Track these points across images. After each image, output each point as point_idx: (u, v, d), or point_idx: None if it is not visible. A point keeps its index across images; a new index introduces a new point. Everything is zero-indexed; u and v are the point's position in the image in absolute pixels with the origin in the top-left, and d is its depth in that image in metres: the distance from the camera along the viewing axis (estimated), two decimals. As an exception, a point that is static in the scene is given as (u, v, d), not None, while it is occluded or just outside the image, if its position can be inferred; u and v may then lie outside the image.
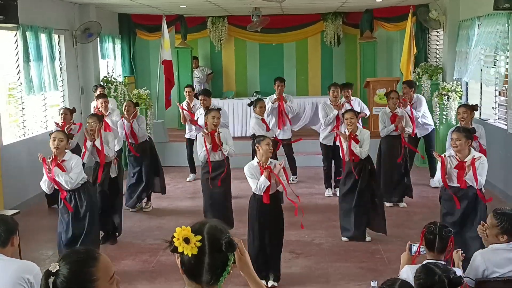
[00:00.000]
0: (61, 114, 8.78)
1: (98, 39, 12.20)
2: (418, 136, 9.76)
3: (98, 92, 10.15)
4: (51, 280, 2.16)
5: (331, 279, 6.25)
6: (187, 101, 10.44)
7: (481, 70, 9.76)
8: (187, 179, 10.87)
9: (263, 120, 8.97)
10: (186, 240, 2.17)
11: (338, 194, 8.16)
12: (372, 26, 14.05)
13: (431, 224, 4.03)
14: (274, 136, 9.00)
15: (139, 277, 6.36)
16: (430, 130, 9.89)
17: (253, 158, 8.53)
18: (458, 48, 10.82)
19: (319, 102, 12.28)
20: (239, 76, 15.29)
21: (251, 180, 5.95)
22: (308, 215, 8.50)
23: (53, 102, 10.61)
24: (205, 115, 7.60)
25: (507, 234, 3.99)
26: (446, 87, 10.73)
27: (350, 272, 6.42)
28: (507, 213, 4.03)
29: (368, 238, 7.37)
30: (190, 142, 10.54)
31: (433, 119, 10.40)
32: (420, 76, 11.56)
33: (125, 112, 8.75)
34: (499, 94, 9.53)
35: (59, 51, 10.82)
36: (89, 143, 7.30)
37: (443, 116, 10.59)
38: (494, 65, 9.39)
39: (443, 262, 3.70)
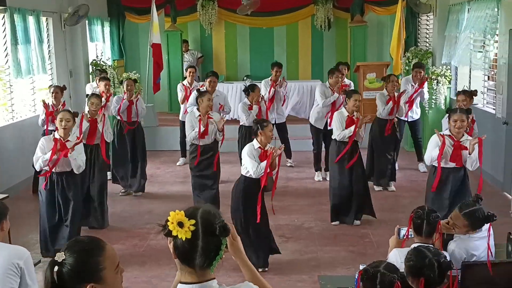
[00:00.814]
0: (52, 93, 8.68)
1: (87, 22, 12.09)
2: (409, 120, 9.78)
3: (103, 75, 10.14)
4: (56, 269, 2.16)
5: (321, 263, 6.30)
6: (188, 82, 10.46)
7: (470, 55, 9.79)
8: (177, 163, 10.85)
9: (250, 107, 8.87)
10: (180, 224, 2.19)
11: (328, 178, 8.16)
12: (363, 10, 14.03)
13: (419, 209, 4.07)
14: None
15: (129, 261, 6.37)
16: (419, 115, 9.93)
17: (239, 140, 8.54)
18: (448, 33, 10.83)
19: (309, 87, 12.35)
20: (230, 60, 15.22)
21: (249, 161, 5.88)
22: (298, 199, 8.58)
23: (41, 85, 10.53)
24: (197, 98, 7.53)
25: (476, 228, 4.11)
26: (435, 72, 10.76)
27: (340, 255, 6.47)
28: (474, 211, 4.11)
29: (357, 222, 7.41)
30: (184, 125, 10.55)
31: (422, 103, 10.45)
32: (410, 60, 11.55)
33: (126, 91, 8.83)
34: (488, 79, 9.57)
35: (47, 34, 10.70)
36: (86, 124, 7.32)
37: (433, 101, 10.62)
38: (483, 49, 9.41)
39: (433, 246, 3.74)
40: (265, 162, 5.82)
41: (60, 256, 2.18)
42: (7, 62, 9.10)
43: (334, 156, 7.44)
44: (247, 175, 5.98)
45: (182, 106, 10.44)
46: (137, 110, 8.84)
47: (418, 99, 9.70)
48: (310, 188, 9.22)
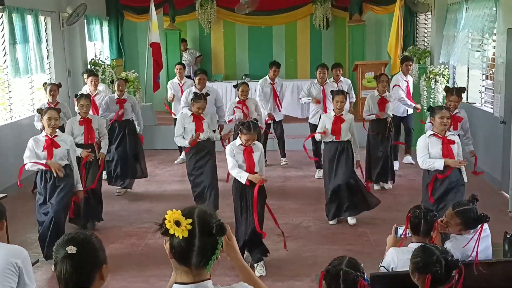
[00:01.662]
0: (49, 91, 8.68)
1: (85, 21, 12.09)
2: (400, 116, 9.81)
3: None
4: (71, 263, 2.30)
5: (319, 262, 6.29)
6: (177, 78, 10.49)
7: (468, 54, 9.80)
8: (175, 162, 10.85)
9: (239, 102, 8.95)
10: (177, 223, 2.21)
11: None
12: (361, 9, 14.05)
13: (416, 208, 4.08)
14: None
15: (127, 260, 6.38)
16: (412, 111, 9.98)
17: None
18: (446, 32, 10.84)
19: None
20: (228, 59, 15.23)
21: (230, 159, 6.00)
22: (296, 198, 8.59)
23: (39, 84, 10.50)
24: (193, 101, 7.53)
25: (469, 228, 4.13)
26: (433, 71, 10.77)
27: (338, 254, 6.33)
28: (467, 210, 4.14)
29: (353, 221, 7.41)
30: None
31: (420, 102, 10.49)
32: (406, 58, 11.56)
33: (117, 91, 8.83)
34: (486, 78, 9.58)
35: (46, 33, 10.70)
36: (80, 128, 7.40)
37: (431, 100, 10.63)
38: (481, 48, 9.42)
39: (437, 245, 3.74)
40: (244, 174, 5.89)
41: (72, 249, 2.29)
42: (5, 61, 9.10)
43: (325, 157, 7.51)
44: (231, 172, 6.08)
45: (174, 105, 10.50)
46: (133, 110, 8.92)
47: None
48: (308, 187, 9.23)
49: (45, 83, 9.16)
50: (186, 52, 14.58)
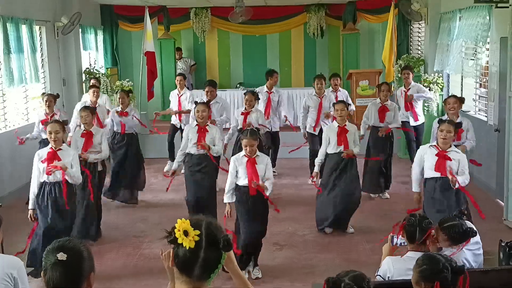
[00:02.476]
0: (46, 102, 8.62)
1: (80, 30, 12.11)
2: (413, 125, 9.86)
3: (91, 82, 10.15)
4: (62, 269, 2.33)
5: (315, 270, 6.30)
6: (178, 90, 10.50)
7: (462, 62, 9.86)
8: (165, 170, 10.78)
9: (243, 113, 8.88)
10: (185, 233, 2.21)
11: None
12: (355, 18, 14.13)
13: (411, 216, 4.09)
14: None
15: (122, 270, 6.36)
16: (422, 121, 9.99)
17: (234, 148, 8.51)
18: (440, 40, 10.90)
19: (301, 95, 12.45)
20: (223, 67, 15.26)
21: (229, 175, 6.06)
22: (292, 206, 8.57)
23: (34, 94, 10.52)
24: (195, 108, 7.51)
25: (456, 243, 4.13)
26: (427, 79, 10.82)
27: (334, 263, 6.48)
28: (452, 226, 4.14)
29: (351, 230, 7.42)
30: (174, 130, 10.57)
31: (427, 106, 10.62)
32: (402, 68, 11.62)
33: (120, 103, 8.80)
34: (480, 86, 9.63)
35: (41, 43, 10.71)
36: (81, 139, 7.34)
37: (425, 108, 10.68)
38: (474, 57, 9.48)
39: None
40: (227, 196, 6.04)
41: (62, 256, 2.31)
42: (0, 71, 9.09)
43: (327, 167, 7.46)
44: (239, 184, 6.04)
45: (172, 117, 10.53)
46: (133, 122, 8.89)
47: (420, 102, 9.83)
48: (304, 196, 9.22)
49: (43, 93, 9.15)
50: (180, 61, 14.61)
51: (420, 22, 12.29)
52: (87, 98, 9.75)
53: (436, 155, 5.81)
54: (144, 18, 12.26)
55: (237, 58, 15.21)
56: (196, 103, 7.78)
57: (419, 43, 12.69)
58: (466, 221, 4.27)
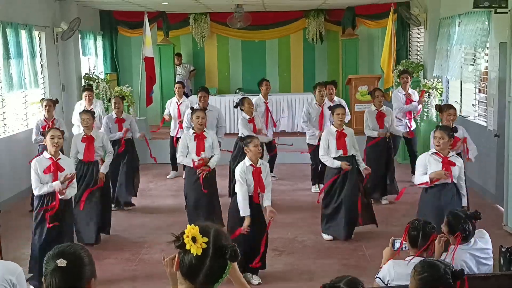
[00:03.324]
0: (45, 107, 8.61)
1: (79, 36, 12.12)
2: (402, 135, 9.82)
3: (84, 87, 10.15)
4: (61, 276, 2.32)
5: (314, 276, 6.28)
6: (176, 97, 10.48)
7: (461, 68, 9.86)
8: (168, 177, 10.83)
9: (250, 120, 8.77)
10: (193, 239, 2.21)
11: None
12: (354, 23, 14.15)
13: (415, 220, 4.09)
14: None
15: (121, 276, 6.34)
16: (413, 127, 9.96)
17: (235, 157, 8.49)
18: (439, 46, 10.91)
19: (300, 100, 12.45)
20: (222, 73, 15.27)
21: (238, 183, 5.94)
22: (291, 212, 8.56)
23: (33, 99, 10.51)
24: (191, 115, 7.52)
25: (453, 235, 4.18)
26: (427, 84, 10.83)
27: (333, 269, 6.46)
28: (458, 216, 4.22)
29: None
30: (173, 139, 10.54)
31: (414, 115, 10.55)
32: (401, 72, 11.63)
33: (114, 109, 8.80)
34: (479, 92, 9.64)
35: (40, 48, 10.71)
36: (81, 144, 7.34)
37: (424, 113, 10.68)
38: (474, 62, 9.48)
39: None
40: (242, 209, 5.89)
41: (62, 262, 2.30)
42: (-1, 76, 9.09)
43: (328, 174, 7.42)
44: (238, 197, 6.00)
45: (172, 122, 10.47)
46: (131, 128, 8.88)
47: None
48: (303, 201, 9.21)
49: (43, 98, 9.14)
50: (180, 67, 14.61)
51: (419, 27, 12.31)
52: (80, 106, 9.72)
53: (442, 162, 5.82)
54: (143, 24, 12.29)
55: (236, 63, 15.21)
56: (192, 109, 7.78)
57: (418, 48, 12.70)
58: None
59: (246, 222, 5.87)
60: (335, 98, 9.98)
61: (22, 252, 7.00)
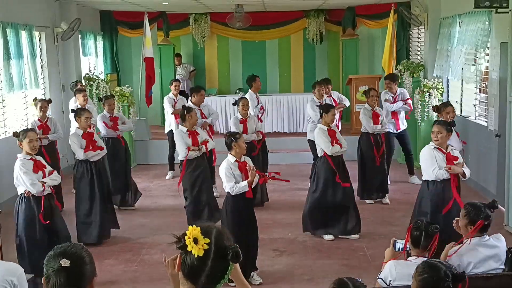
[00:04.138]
0: (41, 108, 8.64)
1: (80, 36, 12.11)
2: (397, 132, 9.82)
3: (78, 87, 10.08)
4: (65, 275, 2.33)
5: (315, 277, 6.27)
6: (173, 94, 10.51)
7: (463, 68, 9.84)
8: (167, 177, 10.82)
9: (242, 121, 8.77)
10: (195, 240, 2.20)
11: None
12: (354, 24, 14.14)
13: (418, 220, 4.08)
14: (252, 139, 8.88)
15: (122, 276, 6.33)
16: (405, 126, 9.94)
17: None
18: (439, 46, 10.90)
19: (301, 100, 12.43)
20: (222, 73, 15.26)
21: (227, 179, 5.88)
22: (291, 212, 8.54)
23: (32, 98, 10.48)
24: (186, 112, 7.62)
25: (473, 225, 4.20)
26: (427, 84, 10.82)
27: (334, 269, 6.45)
28: (475, 205, 4.27)
29: (355, 236, 7.37)
30: (173, 139, 10.49)
31: (415, 115, 10.54)
32: (402, 73, 11.64)
33: (106, 109, 8.84)
34: (479, 91, 9.62)
35: (40, 49, 10.70)
36: (82, 140, 7.38)
37: (425, 113, 10.67)
38: (475, 62, 9.47)
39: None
40: (244, 182, 5.84)
41: (66, 262, 2.31)
42: (-1, 76, 9.08)
43: (321, 172, 7.39)
44: (231, 192, 5.97)
45: (168, 119, 10.48)
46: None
47: (403, 112, 9.83)
48: (302, 201, 9.11)
49: (35, 98, 9.12)
50: (180, 67, 14.61)
51: (419, 28, 12.30)
52: (75, 102, 9.66)
53: (447, 158, 5.87)
54: (143, 24, 12.29)
55: (237, 63, 15.21)
56: (184, 107, 7.85)
57: (419, 48, 12.69)
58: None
59: (252, 174, 5.84)
60: (336, 94, 10.07)
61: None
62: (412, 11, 11.80)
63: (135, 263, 6.76)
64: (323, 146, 7.30)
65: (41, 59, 10.71)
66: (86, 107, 9.20)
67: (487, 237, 4.26)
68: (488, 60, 9.04)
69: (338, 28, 14.52)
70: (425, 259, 3.69)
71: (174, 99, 10.51)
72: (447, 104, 7.45)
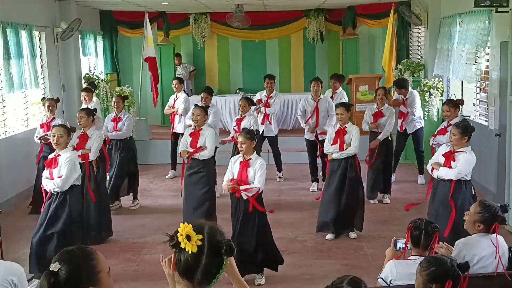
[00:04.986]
0: (48, 107, 8.61)
1: (80, 36, 12.11)
2: (408, 133, 9.82)
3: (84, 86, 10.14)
4: (53, 280, 2.27)
5: (315, 276, 6.27)
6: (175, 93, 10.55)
7: (464, 67, 9.84)
8: (166, 177, 10.81)
9: (238, 120, 8.94)
10: (188, 237, 2.20)
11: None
12: (355, 23, 14.13)
13: (417, 219, 4.07)
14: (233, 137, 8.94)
15: (122, 276, 6.32)
16: (419, 127, 9.91)
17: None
18: (440, 45, 10.89)
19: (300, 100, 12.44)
20: (222, 73, 15.26)
21: (226, 175, 6.06)
22: (291, 212, 8.55)
23: (34, 99, 10.49)
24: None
25: (484, 224, 4.23)
26: (428, 84, 10.82)
27: (334, 269, 6.45)
28: (491, 206, 4.26)
29: (353, 235, 7.36)
30: (176, 137, 10.48)
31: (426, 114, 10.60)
32: (402, 72, 11.63)
33: (114, 108, 8.79)
34: (480, 91, 9.62)
35: (40, 48, 10.70)
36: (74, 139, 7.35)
37: (425, 113, 10.66)
38: (475, 62, 9.47)
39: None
40: (224, 181, 5.97)
41: (55, 266, 2.27)
42: (-1, 76, 9.08)
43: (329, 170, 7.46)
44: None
45: (177, 118, 10.46)
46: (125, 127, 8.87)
47: (416, 109, 9.82)
48: (304, 201, 9.20)
49: (43, 97, 9.12)
50: (180, 67, 14.61)
51: (420, 27, 12.29)
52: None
53: (443, 155, 6.00)
54: (143, 24, 12.28)
55: (237, 63, 15.21)
56: (196, 106, 7.83)
57: (419, 48, 12.69)
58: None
59: (224, 185, 5.96)
60: (337, 91, 10.07)
61: (23, 253, 6.99)
62: (412, 10, 11.79)
63: (136, 262, 6.76)
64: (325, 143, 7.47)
65: (41, 59, 10.70)
66: (90, 106, 9.24)
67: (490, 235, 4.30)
68: (488, 59, 9.04)
69: (338, 28, 14.51)
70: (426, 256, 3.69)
71: (174, 98, 10.53)
72: (443, 102, 7.52)
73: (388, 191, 9.02)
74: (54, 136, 6.10)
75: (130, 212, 8.82)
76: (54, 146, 6.14)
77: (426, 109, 10.67)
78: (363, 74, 13.36)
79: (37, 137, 8.58)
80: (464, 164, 5.93)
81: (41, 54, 10.70)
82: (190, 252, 2.19)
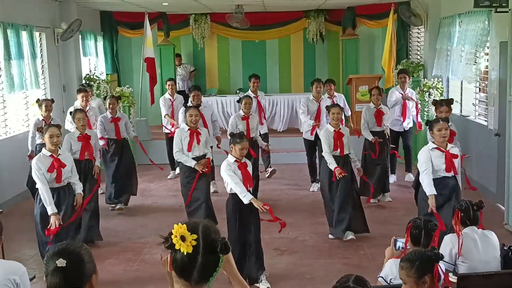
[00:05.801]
0: (46, 107, 8.59)
1: (80, 36, 12.13)
2: (397, 131, 9.85)
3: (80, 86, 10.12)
4: (61, 275, 2.32)
5: (316, 276, 6.29)
6: (169, 94, 10.52)
7: (464, 68, 9.85)
8: (168, 177, 10.84)
9: (243, 118, 8.63)
10: (182, 238, 2.21)
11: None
12: (354, 23, 14.15)
13: (417, 218, 4.09)
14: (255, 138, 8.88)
15: (123, 276, 6.35)
16: (411, 125, 9.95)
17: None
18: (439, 45, 10.91)
19: (301, 99, 12.43)
20: (222, 73, 15.28)
21: (230, 177, 5.76)
22: (292, 212, 8.56)
23: (34, 100, 10.49)
24: (184, 112, 7.59)
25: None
26: (427, 84, 10.83)
27: (334, 268, 6.46)
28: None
29: (351, 236, 7.35)
30: (170, 138, 10.47)
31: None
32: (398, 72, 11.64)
33: (109, 109, 8.77)
34: (479, 91, 9.64)
35: (41, 49, 10.72)
36: (78, 144, 7.36)
37: (425, 113, 10.68)
38: (475, 62, 9.48)
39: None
40: (250, 197, 5.73)
41: (62, 262, 2.31)
42: (0, 77, 9.08)
43: (325, 172, 7.41)
44: (233, 192, 5.87)
45: (165, 120, 10.48)
46: (126, 128, 8.89)
47: (413, 108, 9.84)
48: (303, 201, 9.22)
49: (38, 99, 9.12)
50: (180, 67, 14.63)
51: (419, 27, 12.31)
52: (78, 103, 9.68)
53: (446, 157, 5.88)
54: (144, 25, 12.30)
55: (237, 64, 15.22)
56: (186, 106, 7.83)
57: (419, 48, 12.71)
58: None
59: (259, 204, 5.68)
60: (336, 94, 10.05)
61: (24, 253, 7.02)
62: (412, 10, 11.80)
63: (136, 262, 6.77)
64: (323, 146, 7.42)
65: (42, 60, 10.72)
66: (88, 108, 9.25)
67: (478, 229, 4.38)
68: (487, 59, 9.06)
69: (338, 28, 14.53)
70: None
71: (170, 99, 10.51)
72: (442, 103, 7.42)
73: (387, 189, 9.03)
74: (52, 137, 6.05)
75: (130, 212, 8.83)
76: (52, 146, 6.09)
77: (425, 109, 10.69)
78: (363, 74, 13.38)
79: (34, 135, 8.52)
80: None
81: (41, 54, 10.71)
82: (185, 253, 2.20)
